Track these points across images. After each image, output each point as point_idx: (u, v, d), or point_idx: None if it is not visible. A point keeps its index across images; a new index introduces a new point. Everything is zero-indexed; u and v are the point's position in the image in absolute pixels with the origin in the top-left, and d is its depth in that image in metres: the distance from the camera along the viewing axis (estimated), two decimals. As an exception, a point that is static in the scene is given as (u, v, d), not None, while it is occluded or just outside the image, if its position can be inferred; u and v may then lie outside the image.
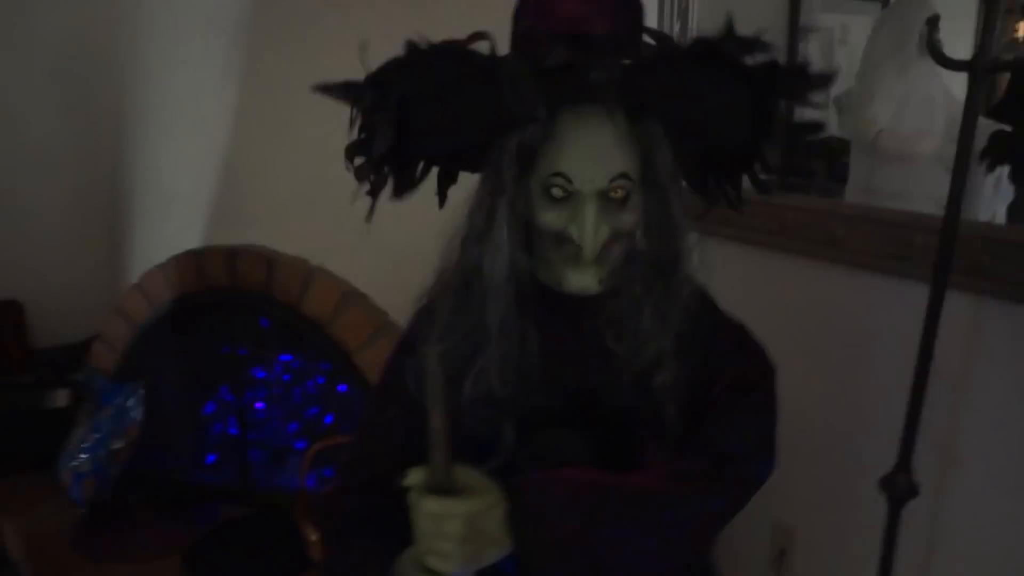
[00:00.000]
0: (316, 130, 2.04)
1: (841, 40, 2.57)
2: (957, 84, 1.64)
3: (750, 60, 0.77)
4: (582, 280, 0.87)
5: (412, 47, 0.75)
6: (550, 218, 0.85)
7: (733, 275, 1.14)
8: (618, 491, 0.81)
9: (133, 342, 2.41)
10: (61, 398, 2.52)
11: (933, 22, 1.58)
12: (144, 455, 2.37)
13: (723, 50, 0.75)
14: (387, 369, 0.98)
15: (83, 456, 2.33)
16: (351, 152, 0.85)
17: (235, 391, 2.47)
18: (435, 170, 0.94)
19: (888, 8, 2.55)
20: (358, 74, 0.82)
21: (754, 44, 0.76)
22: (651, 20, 1.63)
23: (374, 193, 0.87)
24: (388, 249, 2.05)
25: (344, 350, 2.16)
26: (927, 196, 1.74)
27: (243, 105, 2.21)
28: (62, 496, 2.35)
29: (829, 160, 2.33)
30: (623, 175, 0.82)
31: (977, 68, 1.04)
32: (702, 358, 0.91)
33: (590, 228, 0.82)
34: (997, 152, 1.68)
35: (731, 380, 0.91)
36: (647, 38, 0.84)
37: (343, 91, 0.80)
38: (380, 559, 0.81)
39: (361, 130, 0.83)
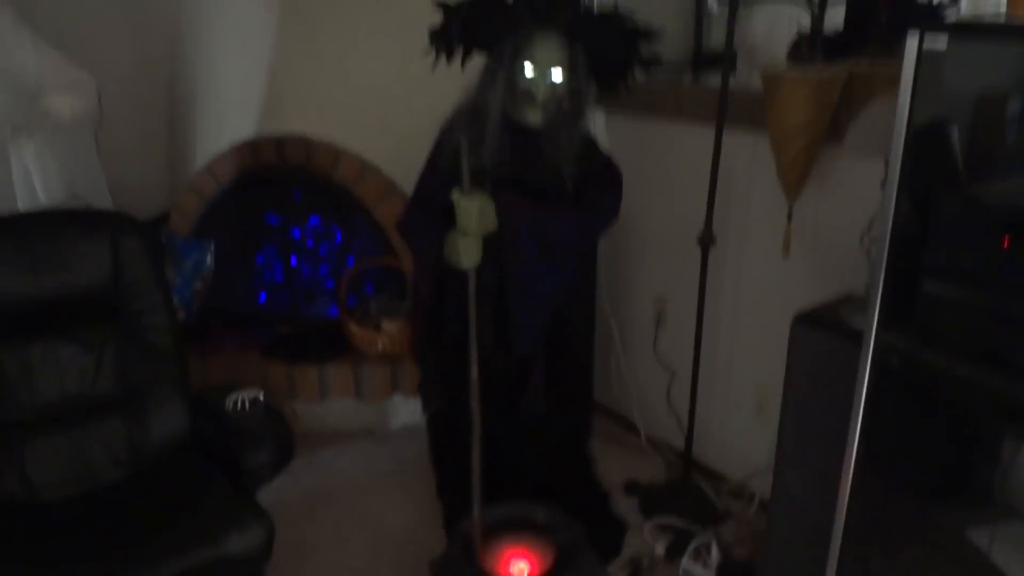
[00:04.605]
0: (340, 44, 2.91)
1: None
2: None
3: (626, 25, 1.75)
4: (534, 116, 1.82)
5: None
6: (523, 81, 1.80)
7: (623, 132, 2.09)
8: (546, 208, 1.78)
9: (203, 211, 3.26)
10: (148, 256, 3.36)
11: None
12: (215, 294, 3.25)
13: (615, 19, 1.73)
14: (429, 156, 1.93)
15: (174, 294, 3.20)
16: (433, 35, 1.80)
17: (277, 247, 3.37)
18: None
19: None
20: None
21: (629, 21, 1.73)
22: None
23: (438, 56, 1.84)
24: (393, 135, 2.94)
25: (365, 207, 3.06)
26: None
27: (283, 27, 3.02)
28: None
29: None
30: (560, 63, 1.77)
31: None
32: (587, 166, 1.88)
33: (542, 87, 1.79)
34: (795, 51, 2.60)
35: (601, 176, 1.89)
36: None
37: (443, 7, 1.77)
38: (440, 233, 1.75)
39: (443, 24, 1.78)
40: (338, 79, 2.99)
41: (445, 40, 1.80)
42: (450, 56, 1.83)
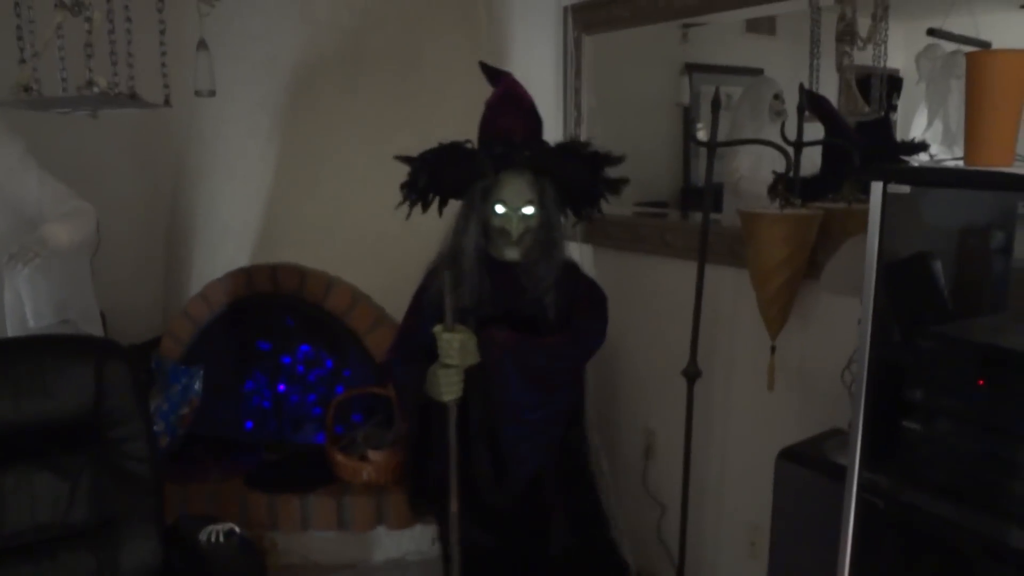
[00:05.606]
0: (334, 180, 3.01)
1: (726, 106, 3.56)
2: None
3: (586, 152, 1.80)
4: (511, 252, 1.86)
5: (439, 144, 1.76)
6: (497, 221, 1.83)
7: (610, 267, 2.14)
8: (529, 339, 1.79)
9: (195, 337, 3.27)
10: (137, 380, 3.35)
11: (778, 96, 2.58)
12: (201, 419, 3.22)
13: (574, 148, 1.77)
14: (414, 298, 1.95)
15: (159, 419, 3.17)
16: (403, 188, 1.83)
17: (267, 374, 3.36)
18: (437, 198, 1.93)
19: (748, 85, 3.58)
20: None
21: (588, 147, 1.78)
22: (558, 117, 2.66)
23: (412, 206, 1.86)
24: (384, 265, 3.00)
25: (356, 335, 3.08)
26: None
27: (280, 163, 3.14)
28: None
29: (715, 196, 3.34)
30: (530, 201, 1.81)
31: (711, 146, 2.04)
32: (570, 291, 1.90)
33: (515, 225, 1.81)
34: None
35: (585, 301, 1.90)
36: (545, 140, 1.86)
37: (408, 161, 1.80)
38: (421, 370, 1.76)
39: (410, 176, 1.81)
40: (333, 212, 3.08)
41: (415, 191, 1.87)
42: (425, 206, 1.90)
